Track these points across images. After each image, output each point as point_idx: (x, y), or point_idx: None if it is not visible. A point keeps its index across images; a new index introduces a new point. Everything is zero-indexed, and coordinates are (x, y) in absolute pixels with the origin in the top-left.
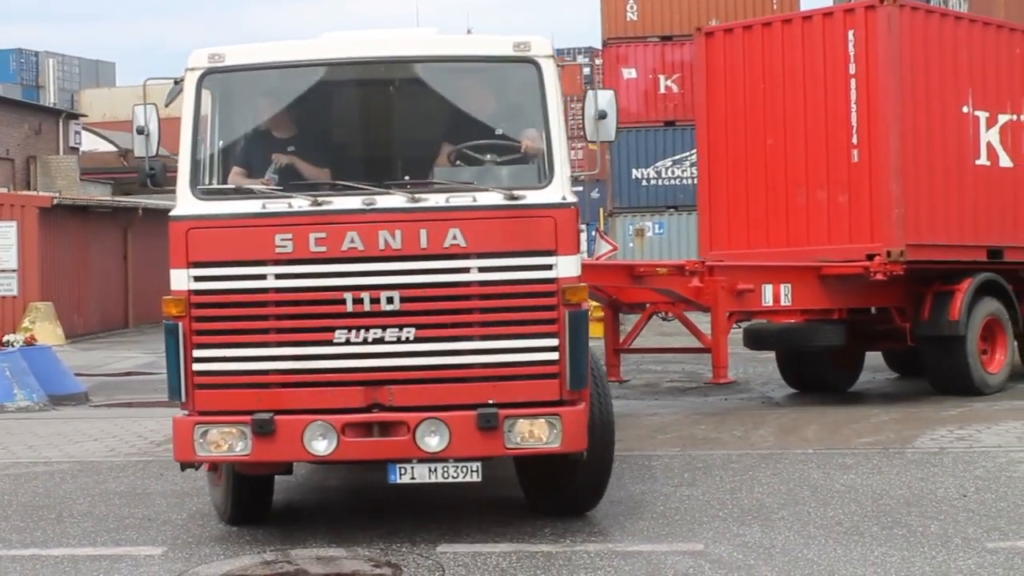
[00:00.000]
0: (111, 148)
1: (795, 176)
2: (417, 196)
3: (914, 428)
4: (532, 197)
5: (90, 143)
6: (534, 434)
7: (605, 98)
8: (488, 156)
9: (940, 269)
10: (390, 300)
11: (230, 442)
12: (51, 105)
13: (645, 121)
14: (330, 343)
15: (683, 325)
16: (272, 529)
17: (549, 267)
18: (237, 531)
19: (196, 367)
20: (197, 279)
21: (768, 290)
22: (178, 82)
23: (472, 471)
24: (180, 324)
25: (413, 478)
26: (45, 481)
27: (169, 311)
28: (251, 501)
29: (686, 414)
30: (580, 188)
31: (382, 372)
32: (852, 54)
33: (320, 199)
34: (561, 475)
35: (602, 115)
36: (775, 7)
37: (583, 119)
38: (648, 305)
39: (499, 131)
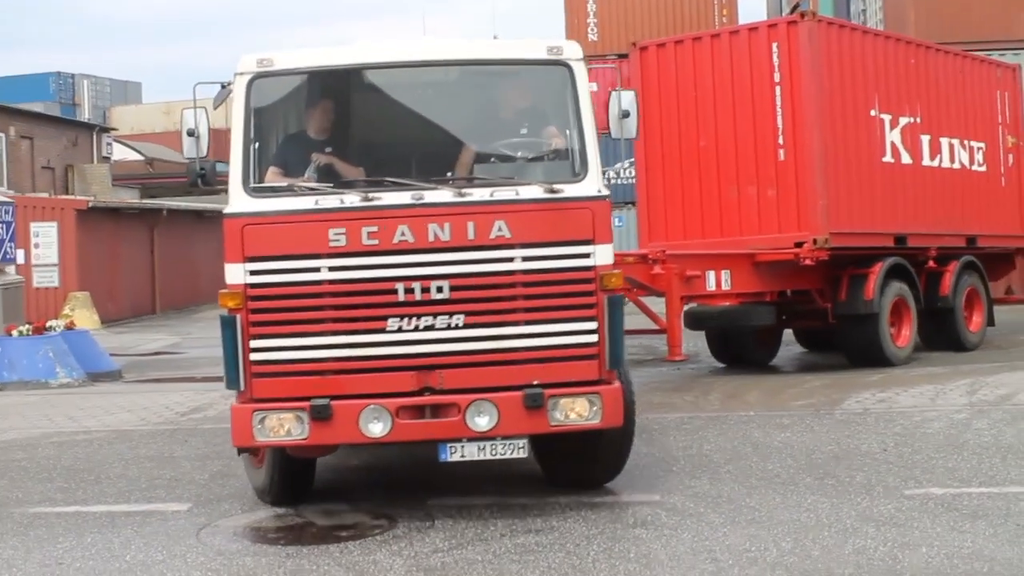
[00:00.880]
0: (139, 157)
1: (727, 174)
2: (463, 191)
3: (841, 392)
4: (570, 190)
5: (120, 153)
6: (576, 412)
7: (628, 98)
8: (525, 153)
9: (854, 254)
10: (439, 289)
11: (288, 427)
12: (86, 120)
13: (606, 129)
14: (383, 331)
15: (639, 309)
16: None
17: (587, 255)
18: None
19: (253, 357)
20: (253, 273)
21: (711, 276)
22: (224, 86)
23: (519, 448)
24: (237, 316)
25: (463, 456)
26: (85, 448)
27: (226, 304)
28: (296, 482)
29: (643, 383)
30: None
31: (433, 357)
32: (776, 64)
33: (370, 195)
34: (583, 450)
35: (625, 114)
36: (725, 21)
37: (607, 118)
38: None
39: (533, 130)
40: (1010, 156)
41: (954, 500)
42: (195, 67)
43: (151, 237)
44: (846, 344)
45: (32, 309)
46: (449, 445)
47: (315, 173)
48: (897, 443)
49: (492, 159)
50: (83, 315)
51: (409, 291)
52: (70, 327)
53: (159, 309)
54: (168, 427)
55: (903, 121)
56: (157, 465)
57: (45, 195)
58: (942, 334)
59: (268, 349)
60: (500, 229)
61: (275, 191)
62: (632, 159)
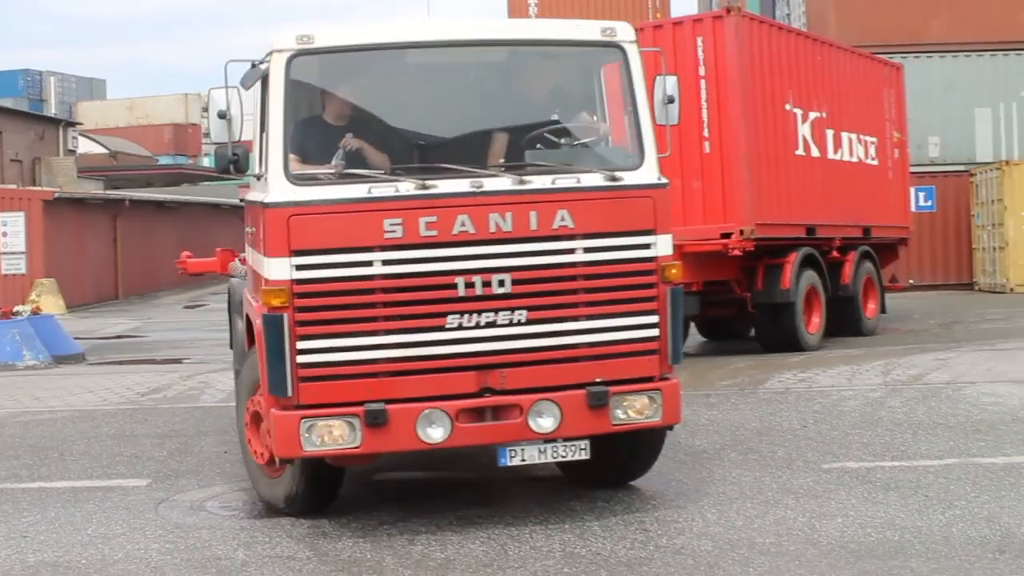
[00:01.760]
0: (103, 151)
1: None
2: (523, 178)
3: (765, 372)
4: (631, 178)
5: (85, 147)
6: (637, 410)
7: (672, 83)
8: (582, 139)
9: (768, 245)
10: (501, 283)
11: (339, 434)
12: (53, 115)
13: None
14: (442, 328)
15: None
16: (240, 468)
17: (649, 246)
18: (209, 464)
19: (300, 359)
20: (300, 268)
21: None
22: (255, 64)
23: (580, 449)
24: (284, 315)
25: (524, 460)
26: (49, 426)
27: (269, 302)
28: (325, 492)
29: None
30: None
31: (495, 356)
32: (702, 58)
33: (427, 183)
34: (617, 447)
35: (670, 99)
36: (659, 16)
37: (652, 103)
38: None
39: (586, 115)
40: (896, 151)
41: (868, 473)
42: (156, 64)
43: (114, 226)
44: (761, 331)
45: (0, 295)
46: (509, 449)
47: (363, 159)
48: (816, 420)
49: (543, 145)
50: (49, 301)
51: (470, 285)
52: (36, 312)
53: (121, 295)
54: (129, 407)
55: (812, 116)
56: (118, 443)
57: (13, 187)
58: (843, 321)
59: (317, 351)
60: (563, 219)
61: (316, 179)
62: None
